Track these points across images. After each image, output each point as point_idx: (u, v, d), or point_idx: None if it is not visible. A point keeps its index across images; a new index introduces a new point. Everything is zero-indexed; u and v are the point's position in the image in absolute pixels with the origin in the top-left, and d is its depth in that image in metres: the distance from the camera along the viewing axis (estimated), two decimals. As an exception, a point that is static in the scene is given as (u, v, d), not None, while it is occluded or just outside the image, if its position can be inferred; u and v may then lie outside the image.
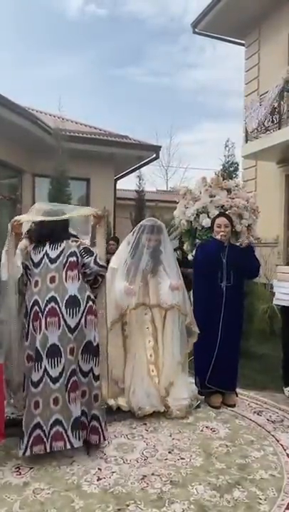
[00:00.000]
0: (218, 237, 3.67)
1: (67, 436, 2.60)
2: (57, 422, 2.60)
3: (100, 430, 2.76)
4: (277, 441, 3.04)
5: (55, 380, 2.63)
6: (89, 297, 2.80)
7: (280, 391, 4.00)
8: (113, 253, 5.81)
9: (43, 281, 2.74)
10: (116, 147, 9.97)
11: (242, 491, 2.41)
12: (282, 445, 2.98)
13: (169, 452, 2.83)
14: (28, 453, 2.59)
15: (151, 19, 38.60)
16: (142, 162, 11.10)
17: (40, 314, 2.69)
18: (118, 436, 3.03)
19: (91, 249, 2.94)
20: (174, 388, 3.49)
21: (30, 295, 2.78)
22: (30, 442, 2.59)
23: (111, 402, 3.34)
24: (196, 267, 3.81)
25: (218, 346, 3.60)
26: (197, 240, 4.65)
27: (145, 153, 10.67)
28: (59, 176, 7.12)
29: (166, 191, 19.39)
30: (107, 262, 4.08)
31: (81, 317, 2.72)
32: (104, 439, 2.81)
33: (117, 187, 11.90)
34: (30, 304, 2.76)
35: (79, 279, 2.78)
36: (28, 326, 2.76)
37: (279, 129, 8.08)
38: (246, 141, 9.02)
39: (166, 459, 2.73)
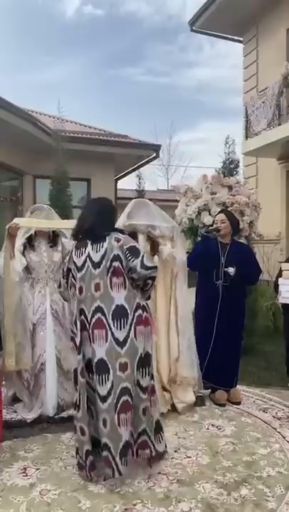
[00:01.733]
0: (202, 230, 3.69)
1: (116, 463, 2.36)
2: (106, 446, 2.39)
3: (163, 438, 2.63)
4: (284, 438, 3.02)
5: (103, 400, 2.41)
6: (138, 305, 2.52)
7: (285, 388, 3.99)
8: None
9: (87, 289, 2.50)
10: (116, 147, 9.97)
11: (249, 488, 2.40)
12: (288, 442, 2.96)
13: (175, 451, 2.81)
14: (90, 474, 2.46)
15: (149, 18, 38.62)
16: (142, 161, 11.10)
17: (87, 325, 2.48)
18: (124, 436, 3.02)
19: (137, 247, 2.61)
20: (179, 364, 3.51)
21: (77, 302, 2.55)
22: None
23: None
24: (189, 260, 3.69)
25: (213, 344, 3.61)
26: (198, 238, 4.64)
27: (145, 152, 10.66)
28: (59, 177, 7.11)
29: (167, 190, 19.37)
30: None
31: (130, 329, 2.46)
32: (166, 446, 2.67)
33: (118, 187, 11.90)
34: (77, 312, 2.53)
35: (126, 287, 2.50)
36: (80, 335, 2.52)
37: (279, 125, 8.05)
38: (246, 138, 8.99)
39: (172, 458, 2.72)
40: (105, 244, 2.51)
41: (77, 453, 2.52)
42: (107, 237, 2.53)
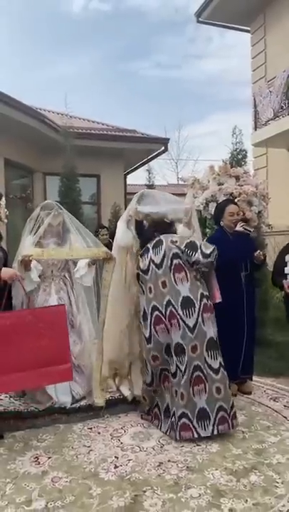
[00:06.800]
0: (239, 228, 3.60)
1: (194, 426, 2.77)
2: (183, 415, 2.78)
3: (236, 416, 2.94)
4: (294, 426, 3.02)
5: (181, 376, 2.81)
6: (202, 295, 2.89)
7: (296, 377, 3.97)
8: (106, 243, 5.70)
9: (155, 287, 2.90)
10: (124, 142, 9.98)
11: (258, 475, 2.41)
12: (299, 430, 2.96)
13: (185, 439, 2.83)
14: (177, 437, 2.79)
15: (155, 11, 38.39)
16: (151, 156, 11.08)
17: (162, 318, 2.86)
18: (134, 425, 3.06)
19: (194, 241, 2.96)
20: None
21: (148, 301, 2.93)
22: (179, 427, 2.80)
23: (126, 392, 3.36)
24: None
25: (246, 337, 3.55)
26: (207, 230, 4.62)
27: (154, 146, 10.65)
28: (69, 174, 7.17)
29: (177, 184, 19.33)
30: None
31: (198, 316, 2.82)
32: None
33: (128, 182, 11.91)
34: (150, 309, 2.91)
35: (188, 279, 2.87)
36: (150, 329, 2.91)
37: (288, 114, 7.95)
38: (255, 128, 8.91)
39: (182, 446, 2.75)
40: (163, 247, 2.91)
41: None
42: (164, 241, 2.93)
